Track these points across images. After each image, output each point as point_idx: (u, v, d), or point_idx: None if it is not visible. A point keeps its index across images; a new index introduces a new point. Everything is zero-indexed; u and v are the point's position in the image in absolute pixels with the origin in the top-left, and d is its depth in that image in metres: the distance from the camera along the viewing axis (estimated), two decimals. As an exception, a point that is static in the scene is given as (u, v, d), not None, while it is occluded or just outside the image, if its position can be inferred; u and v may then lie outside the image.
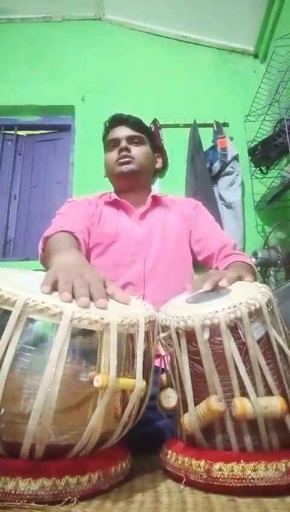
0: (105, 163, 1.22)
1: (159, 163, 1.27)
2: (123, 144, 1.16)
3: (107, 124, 1.24)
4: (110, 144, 1.20)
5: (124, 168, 1.15)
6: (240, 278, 0.69)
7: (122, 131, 1.18)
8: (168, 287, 0.99)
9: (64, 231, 0.98)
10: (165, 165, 2.55)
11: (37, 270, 0.70)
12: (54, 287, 0.55)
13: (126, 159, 1.15)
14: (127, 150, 1.16)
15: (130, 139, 1.18)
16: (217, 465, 0.51)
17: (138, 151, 1.17)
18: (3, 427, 0.48)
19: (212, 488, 0.50)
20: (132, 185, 1.18)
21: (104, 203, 1.19)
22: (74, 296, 0.53)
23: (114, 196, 1.19)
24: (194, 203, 1.26)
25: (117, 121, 1.21)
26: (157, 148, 1.36)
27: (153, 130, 2.52)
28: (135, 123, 1.20)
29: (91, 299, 0.54)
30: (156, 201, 1.21)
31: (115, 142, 1.18)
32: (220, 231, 1.22)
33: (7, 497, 0.45)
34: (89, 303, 0.52)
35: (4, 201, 2.73)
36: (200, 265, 1.17)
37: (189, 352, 0.57)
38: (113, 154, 1.18)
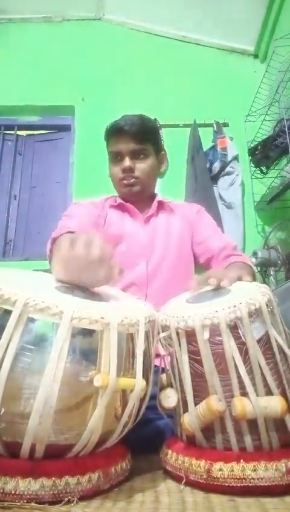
0: (109, 172, 1.19)
1: (164, 165, 1.25)
2: (127, 163, 1.12)
3: (109, 129, 1.16)
4: (113, 156, 1.16)
5: (128, 190, 1.15)
6: (240, 279, 0.70)
7: (125, 145, 1.12)
8: (170, 289, 0.99)
9: (71, 232, 0.98)
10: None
11: (37, 270, 0.70)
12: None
13: (131, 181, 1.14)
14: (131, 170, 1.13)
15: (134, 154, 1.12)
16: (217, 465, 0.51)
17: (143, 169, 1.14)
18: (3, 427, 0.48)
19: (212, 488, 0.50)
20: (137, 199, 1.18)
21: (110, 206, 1.20)
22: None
23: (119, 200, 1.20)
24: (196, 207, 1.27)
25: (120, 131, 1.12)
26: (163, 148, 1.32)
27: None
28: (138, 134, 1.11)
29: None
30: (161, 206, 1.21)
31: (118, 155, 1.14)
32: (221, 234, 1.23)
33: (7, 497, 0.45)
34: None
35: (4, 201, 2.72)
36: (201, 268, 1.18)
37: (189, 352, 0.57)
38: (117, 170, 1.15)
